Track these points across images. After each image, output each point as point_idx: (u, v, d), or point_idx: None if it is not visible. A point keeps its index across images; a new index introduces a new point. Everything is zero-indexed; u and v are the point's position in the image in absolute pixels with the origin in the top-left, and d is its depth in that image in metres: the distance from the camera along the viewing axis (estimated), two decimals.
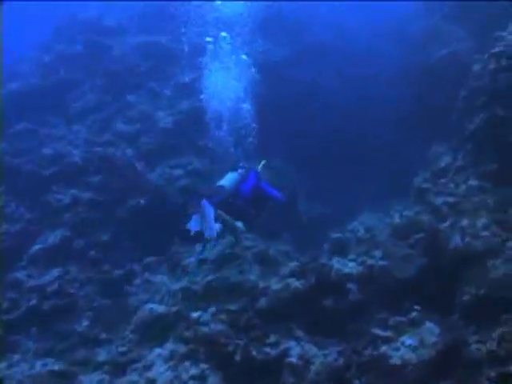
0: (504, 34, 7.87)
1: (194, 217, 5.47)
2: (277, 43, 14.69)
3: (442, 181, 8.07)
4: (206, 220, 5.35)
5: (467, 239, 6.44)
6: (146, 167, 11.40)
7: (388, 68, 17.35)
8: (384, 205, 12.80)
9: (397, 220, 8.75)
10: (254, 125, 8.78)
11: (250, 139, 8.55)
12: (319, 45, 16.91)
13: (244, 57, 9.67)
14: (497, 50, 7.33)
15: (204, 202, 5.40)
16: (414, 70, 14.61)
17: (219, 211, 5.57)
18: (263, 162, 6.86)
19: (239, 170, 6.38)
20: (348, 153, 15.39)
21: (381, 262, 8.05)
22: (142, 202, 10.66)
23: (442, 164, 9.11)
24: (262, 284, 7.05)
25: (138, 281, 9.63)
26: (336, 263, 7.61)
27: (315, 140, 15.26)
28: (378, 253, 8.41)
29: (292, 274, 7.25)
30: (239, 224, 5.81)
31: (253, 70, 9.71)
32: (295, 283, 6.97)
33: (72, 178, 10.99)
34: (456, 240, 6.74)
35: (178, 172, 11.27)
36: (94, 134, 12.25)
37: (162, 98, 13.29)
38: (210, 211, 5.39)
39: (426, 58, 13.69)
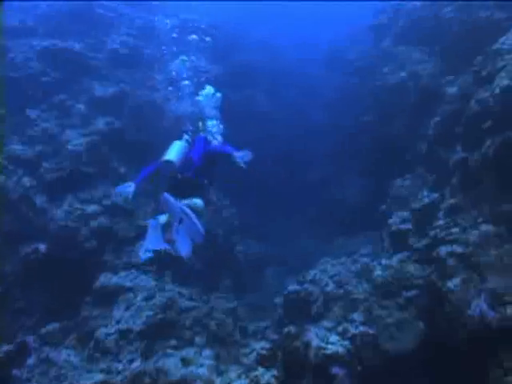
0: (504, 46, 6.47)
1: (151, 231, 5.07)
2: (210, 61, 12.96)
3: (440, 223, 6.37)
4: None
5: (509, 309, 4.68)
6: (48, 202, 8.90)
7: (327, 94, 16.43)
8: (337, 245, 11.22)
9: (377, 271, 6.95)
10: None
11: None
12: (253, 65, 15.60)
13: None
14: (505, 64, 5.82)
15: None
16: (360, 96, 13.47)
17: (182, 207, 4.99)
18: (201, 123, 6.49)
19: (185, 137, 6.03)
20: (285, 185, 13.94)
21: (363, 329, 6.28)
22: (41, 248, 8.29)
23: (425, 201, 7.51)
24: (218, 381, 4.79)
25: (32, 360, 7.02)
26: (314, 337, 5.57)
27: (250, 171, 13.55)
28: (357, 316, 6.65)
29: (258, 361, 5.08)
30: (198, 201, 5.38)
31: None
32: (266, 376, 4.80)
33: None
34: (481, 306, 5.00)
35: (92, 208, 8.83)
36: None
37: (73, 114, 10.77)
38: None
39: (377, 81, 12.41)
